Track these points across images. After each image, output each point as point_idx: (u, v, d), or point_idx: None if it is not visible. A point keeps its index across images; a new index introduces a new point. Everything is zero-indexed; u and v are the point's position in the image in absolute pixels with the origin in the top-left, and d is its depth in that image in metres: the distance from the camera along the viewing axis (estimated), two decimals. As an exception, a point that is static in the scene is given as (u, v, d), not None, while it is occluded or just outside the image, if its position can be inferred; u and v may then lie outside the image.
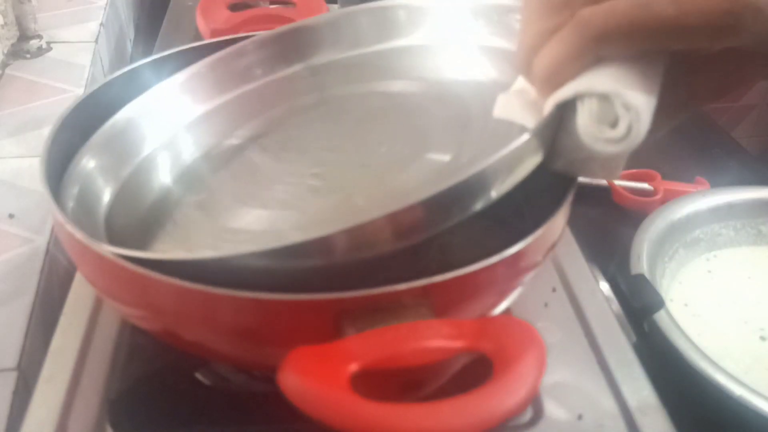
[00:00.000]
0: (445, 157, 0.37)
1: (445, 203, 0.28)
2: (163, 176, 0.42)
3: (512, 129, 0.33)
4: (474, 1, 0.46)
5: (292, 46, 0.50)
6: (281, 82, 0.50)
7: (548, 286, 0.44)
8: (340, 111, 0.45)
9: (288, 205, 0.37)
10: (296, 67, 0.50)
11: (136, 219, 0.39)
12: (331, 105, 0.46)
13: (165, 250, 0.36)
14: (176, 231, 0.37)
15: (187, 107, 0.47)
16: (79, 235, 0.31)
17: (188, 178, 0.42)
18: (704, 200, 0.58)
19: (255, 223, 0.36)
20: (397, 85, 0.45)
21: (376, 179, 0.37)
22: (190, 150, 0.44)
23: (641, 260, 0.51)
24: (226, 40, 0.49)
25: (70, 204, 0.36)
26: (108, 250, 0.30)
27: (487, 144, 0.36)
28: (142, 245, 0.37)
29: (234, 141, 0.45)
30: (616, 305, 0.47)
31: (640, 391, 0.37)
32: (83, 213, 0.37)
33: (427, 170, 0.36)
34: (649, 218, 0.55)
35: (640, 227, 0.54)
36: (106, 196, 0.40)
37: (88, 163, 0.40)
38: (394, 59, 0.48)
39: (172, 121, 0.45)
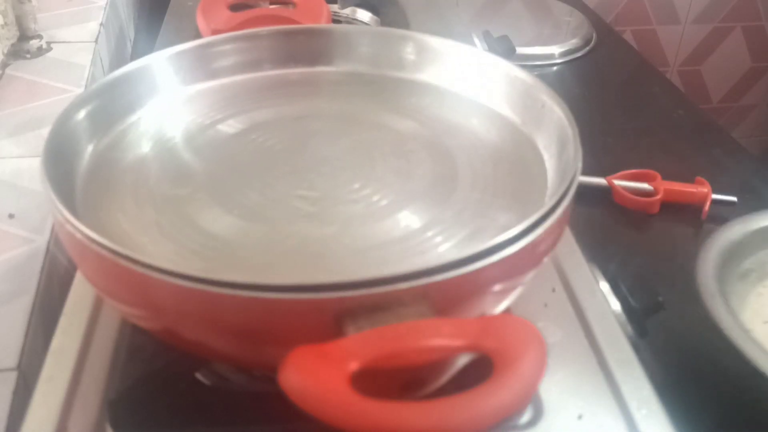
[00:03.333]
0: (416, 224, 0.37)
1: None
2: (146, 150, 0.42)
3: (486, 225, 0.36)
4: (492, 61, 0.46)
5: (300, 48, 0.50)
6: (282, 80, 0.50)
7: (548, 286, 0.44)
8: (334, 131, 0.45)
9: (267, 222, 0.37)
10: (300, 70, 0.50)
11: (110, 186, 0.39)
12: (326, 121, 0.46)
13: (126, 222, 0.36)
14: (148, 215, 0.37)
15: (180, 85, 0.47)
16: (80, 234, 0.31)
17: (171, 154, 0.42)
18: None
19: (228, 232, 0.36)
20: (396, 121, 0.45)
21: (354, 224, 0.37)
22: (177, 127, 0.44)
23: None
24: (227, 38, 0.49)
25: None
26: (108, 246, 0.30)
27: (456, 230, 0.36)
28: (106, 206, 0.37)
29: (225, 128, 0.45)
30: (616, 305, 0.47)
31: (640, 391, 0.37)
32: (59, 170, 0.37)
33: (395, 232, 0.36)
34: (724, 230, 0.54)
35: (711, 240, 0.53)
36: (85, 156, 0.41)
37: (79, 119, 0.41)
38: (400, 90, 0.48)
39: (164, 97, 0.46)
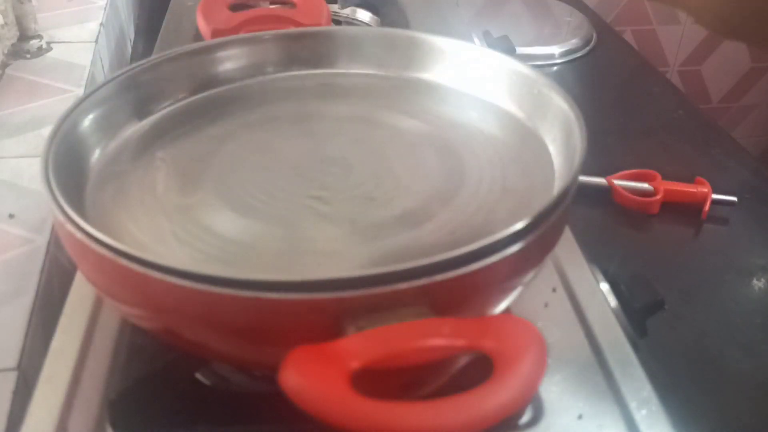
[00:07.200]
0: (422, 222, 0.37)
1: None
2: (152, 158, 0.42)
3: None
4: (497, 59, 0.46)
5: (305, 50, 0.50)
6: (286, 83, 0.50)
7: (548, 286, 0.44)
8: (342, 132, 0.45)
9: (283, 224, 0.37)
10: (305, 72, 0.50)
11: (117, 197, 0.39)
12: (333, 123, 0.46)
13: (140, 234, 0.36)
14: (161, 225, 0.37)
15: (184, 88, 0.47)
16: (80, 233, 0.31)
17: (177, 161, 0.42)
18: None
19: (245, 236, 0.36)
20: (403, 121, 0.45)
21: (367, 222, 0.37)
22: (181, 131, 0.44)
23: None
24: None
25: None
26: (108, 244, 0.30)
27: (463, 227, 0.37)
28: (116, 219, 0.37)
29: (232, 132, 0.45)
30: (616, 305, 0.47)
31: (640, 391, 0.37)
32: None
33: (405, 230, 0.36)
34: None
35: None
36: (88, 162, 0.41)
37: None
38: (404, 90, 0.48)
39: (165, 101, 0.46)
